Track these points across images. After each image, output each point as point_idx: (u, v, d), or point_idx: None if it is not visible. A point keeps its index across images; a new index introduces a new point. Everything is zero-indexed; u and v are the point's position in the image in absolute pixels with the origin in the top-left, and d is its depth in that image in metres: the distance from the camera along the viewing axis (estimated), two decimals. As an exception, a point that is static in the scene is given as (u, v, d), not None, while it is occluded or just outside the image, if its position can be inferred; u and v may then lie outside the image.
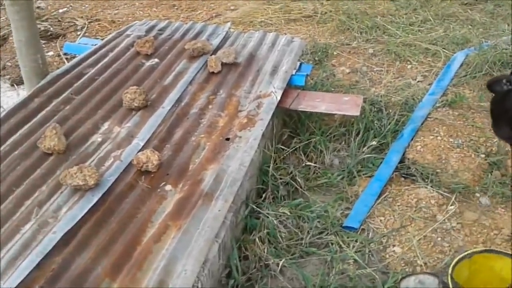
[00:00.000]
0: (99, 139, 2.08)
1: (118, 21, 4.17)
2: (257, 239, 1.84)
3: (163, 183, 1.85)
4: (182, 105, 2.35)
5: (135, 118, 2.21)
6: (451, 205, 2.07)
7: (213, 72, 2.61)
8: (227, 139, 2.12)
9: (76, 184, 1.71)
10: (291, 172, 2.27)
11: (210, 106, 2.35)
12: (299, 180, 2.24)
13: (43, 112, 2.25)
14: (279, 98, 2.40)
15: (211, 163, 1.96)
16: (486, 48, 3.22)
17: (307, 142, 2.48)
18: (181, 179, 1.88)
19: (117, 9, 4.49)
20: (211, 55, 2.73)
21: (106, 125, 2.18)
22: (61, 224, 1.60)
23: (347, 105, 2.50)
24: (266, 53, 2.85)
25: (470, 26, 3.80)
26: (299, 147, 2.45)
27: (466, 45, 3.43)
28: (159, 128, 2.17)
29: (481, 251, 1.61)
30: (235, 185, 1.83)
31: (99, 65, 2.68)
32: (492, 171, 2.24)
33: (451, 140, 2.40)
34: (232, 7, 4.36)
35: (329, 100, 2.57)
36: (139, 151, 1.96)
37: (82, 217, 1.64)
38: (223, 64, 2.66)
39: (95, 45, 2.99)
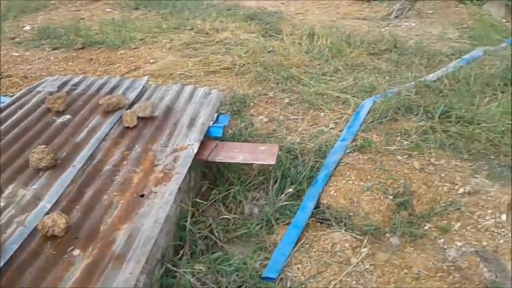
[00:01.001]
0: (2, 204, 1.96)
1: (31, 76, 4.04)
2: (173, 300, 1.79)
3: (71, 248, 1.77)
4: (95, 163, 2.28)
5: (42, 179, 2.11)
6: (363, 247, 2.14)
7: (128, 127, 2.59)
8: (142, 195, 2.08)
9: (-30, 256, 1.58)
10: (210, 225, 2.26)
11: (124, 162, 2.31)
12: (218, 233, 2.23)
13: None
14: (196, 150, 2.41)
15: (124, 222, 1.90)
16: (390, 95, 3.46)
17: (226, 193, 2.49)
18: (91, 242, 1.80)
19: (30, 64, 4.35)
20: (126, 109, 2.71)
21: (10, 188, 2.06)
22: (-50, 303, 1.46)
23: (263, 154, 2.57)
24: (183, 105, 2.88)
25: (377, 75, 4.09)
26: (219, 198, 2.46)
27: (374, 93, 3.67)
28: (69, 189, 2.08)
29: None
30: (149, 244, 1.78)
31: (6, 123, 2.57)
32: (400, 212, 2.36)
33: (361, 183, 2.52)
34: (151, 60, 4.39)
35: (246, 150, 2.62)
36: (46, 214, 1.87)
37: (-23, 292, 1.51)
38: (139, 118, 2.64)
39: (4, 102, 2.87)
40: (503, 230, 2.19)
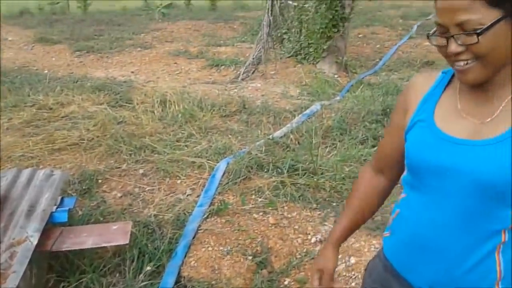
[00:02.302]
0: None
1: None
2: None
3: None
4: None
5: None
6: (226, 318, 2.10)
7: (-49, 227, 2.24)
8: (-32, 307, 1.78)
9: None
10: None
11: None
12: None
13: None
14: (35, 242, 2.17)
15: None
16: (242, 154, 3.59)
17: (77, 283, 2.26)
18: None
19: None
20: None
21: None
22: None
23: (115, 234, 2.42)
24: (21, 192, 2.61)
25: (229, 136, 4.23)
26: (68, 291, 2.22)
27: (227, 154, 3.77)
28: None
29: None
30: None
31: None
32: (259, 271, 2.39)
33: (221, 248, 2.51)
34: (-16, 144, 3.96)
35: (97, 232, 2.45)
36: None
37: None
38: (-35, 215, 2.31)
39: None
40: (353, 273, 2.34)
